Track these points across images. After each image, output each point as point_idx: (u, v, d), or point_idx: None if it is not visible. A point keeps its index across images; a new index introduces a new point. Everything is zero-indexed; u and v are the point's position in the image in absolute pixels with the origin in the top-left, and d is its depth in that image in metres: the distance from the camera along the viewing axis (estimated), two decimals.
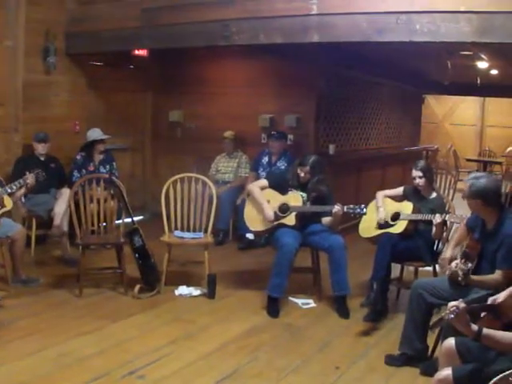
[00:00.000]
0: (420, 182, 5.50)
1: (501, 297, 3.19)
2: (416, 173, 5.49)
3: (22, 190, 5.77)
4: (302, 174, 5.68)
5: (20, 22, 6.95)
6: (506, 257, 3.91)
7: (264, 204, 5.68)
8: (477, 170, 14.38)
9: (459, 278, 3.93)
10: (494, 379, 2.57)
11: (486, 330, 2.89)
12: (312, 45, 5.90)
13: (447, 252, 4.39)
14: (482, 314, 3.13)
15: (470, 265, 3.94)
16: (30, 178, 5.73)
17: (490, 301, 3.21)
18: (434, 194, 5.61)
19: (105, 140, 7.46)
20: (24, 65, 7.10)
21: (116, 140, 8.27)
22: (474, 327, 2.91)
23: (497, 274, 3.94)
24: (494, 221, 4.06)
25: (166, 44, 6.83)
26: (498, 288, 3.45)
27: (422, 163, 5.56)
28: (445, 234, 5.40)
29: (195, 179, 6.14)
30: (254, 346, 4.69)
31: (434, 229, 5.23)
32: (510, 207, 7.55)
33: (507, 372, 2.56)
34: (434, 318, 4.41)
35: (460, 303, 2.92)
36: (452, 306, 2.91)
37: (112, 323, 5.01)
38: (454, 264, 4.03)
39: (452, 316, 2.90)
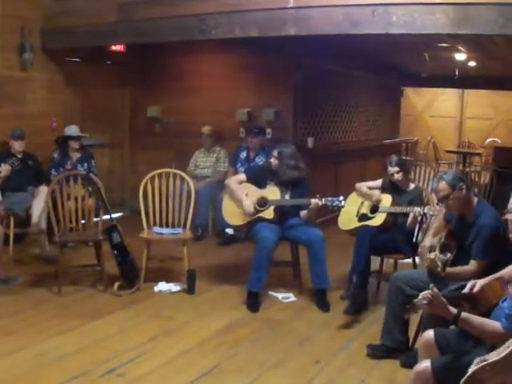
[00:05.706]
0: (398, 176, 5.53)
1: (477, 286, 3.21)
2: (392, 169, 5.52)
3: None
4: (272, 160, 5.72)
5: None
6: (481, 247, 3.94)
7: (243, 198, 5.67)
8: (457, 162, 14.50)
9: (438, 269, 3.95)
10: (472, 369, 2.57)
11: (464, 314, 2.90)
12: (289, 38, 5.89)
13: (426, 241, 4.39)
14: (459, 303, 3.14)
15: (449, 255, 3.95)
16: (3, 169, 5.63)
17: (467, 287, 3.23)
18: (412, 186, 5.66)
19: (80, 138, 7.33)
20: None
21: (94, 136, 8.20)
22: (453, 310, 2.92)
23: (472, 265, 3.96)
24: (472, 212, 4.07)
25: (143, 39, 6.78)
26: (473, 279, 3.45)
27: (395, 158, 5.58)
28: (424, 225, 5.42)
29: (173, 175, 6.11)
30: (234, 342, 4.68)
31: (409, 219, 5.25)
32: (486, 199, 7.60)
33: (485, 362, 2.57)
34: None
35: (432, 288, 2.92)
36: (425, 293, 2.92)
37: (91, 321, 4.98)
38: (433, 254, 4.03)
39: (425, 302, 2.90)
